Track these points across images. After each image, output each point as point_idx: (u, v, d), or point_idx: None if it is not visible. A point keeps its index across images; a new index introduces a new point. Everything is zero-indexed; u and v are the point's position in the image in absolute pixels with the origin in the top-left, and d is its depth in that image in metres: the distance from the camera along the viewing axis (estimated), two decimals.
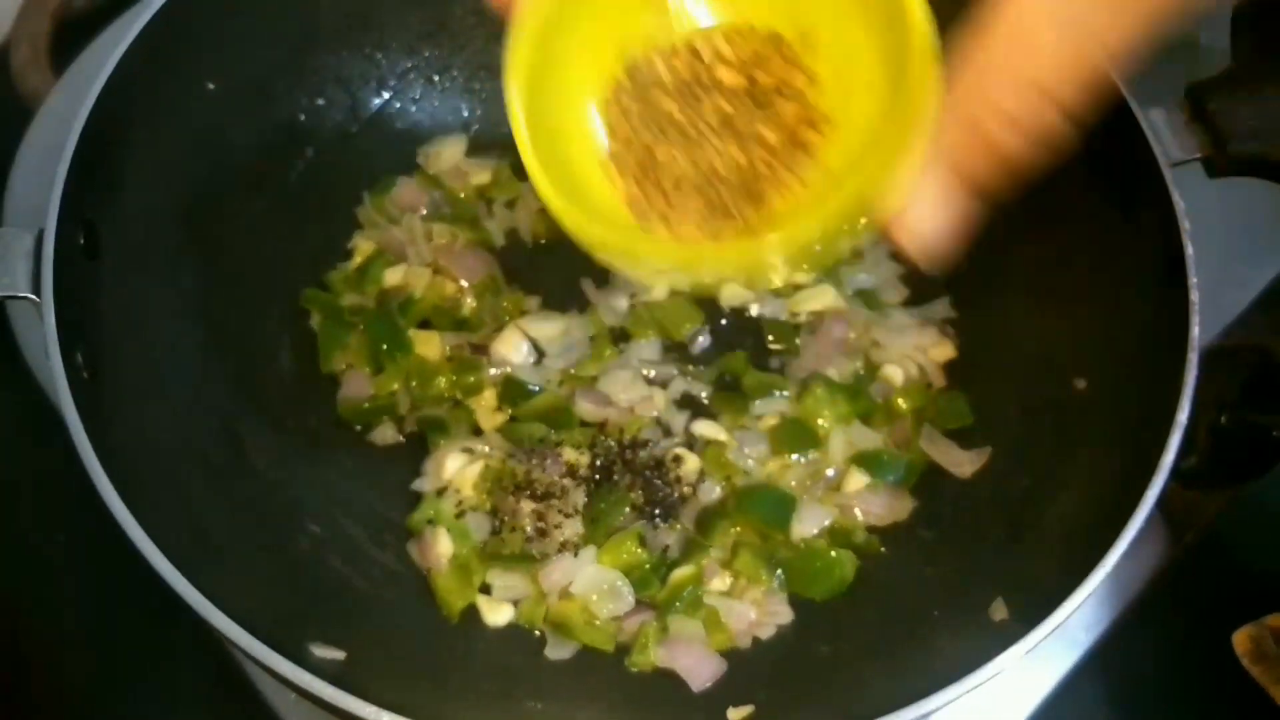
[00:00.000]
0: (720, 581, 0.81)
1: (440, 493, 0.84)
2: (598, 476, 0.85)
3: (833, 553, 0.81)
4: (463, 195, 0.97)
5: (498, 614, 0.80)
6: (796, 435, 0.86)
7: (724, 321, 0.93)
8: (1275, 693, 0.81)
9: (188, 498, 0.74)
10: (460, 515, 0.84)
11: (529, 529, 0.83)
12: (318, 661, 0.66)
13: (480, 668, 0.78)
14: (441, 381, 0.88)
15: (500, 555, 0.82)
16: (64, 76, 1.06)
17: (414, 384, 0.88)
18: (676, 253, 0.64)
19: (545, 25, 0.62)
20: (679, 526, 0.84)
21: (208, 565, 0.64)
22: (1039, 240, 0.85)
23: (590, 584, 0.80)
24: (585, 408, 0.87)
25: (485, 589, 0.81)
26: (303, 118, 0.93)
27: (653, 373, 0.90)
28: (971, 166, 0.54)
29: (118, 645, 0.89)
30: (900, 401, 0.88)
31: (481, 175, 0.98)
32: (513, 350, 0.90)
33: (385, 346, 0.89)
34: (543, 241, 0.96)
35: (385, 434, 0.88)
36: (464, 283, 0.93)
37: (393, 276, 0.92)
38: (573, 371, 0.90)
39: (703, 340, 0.92)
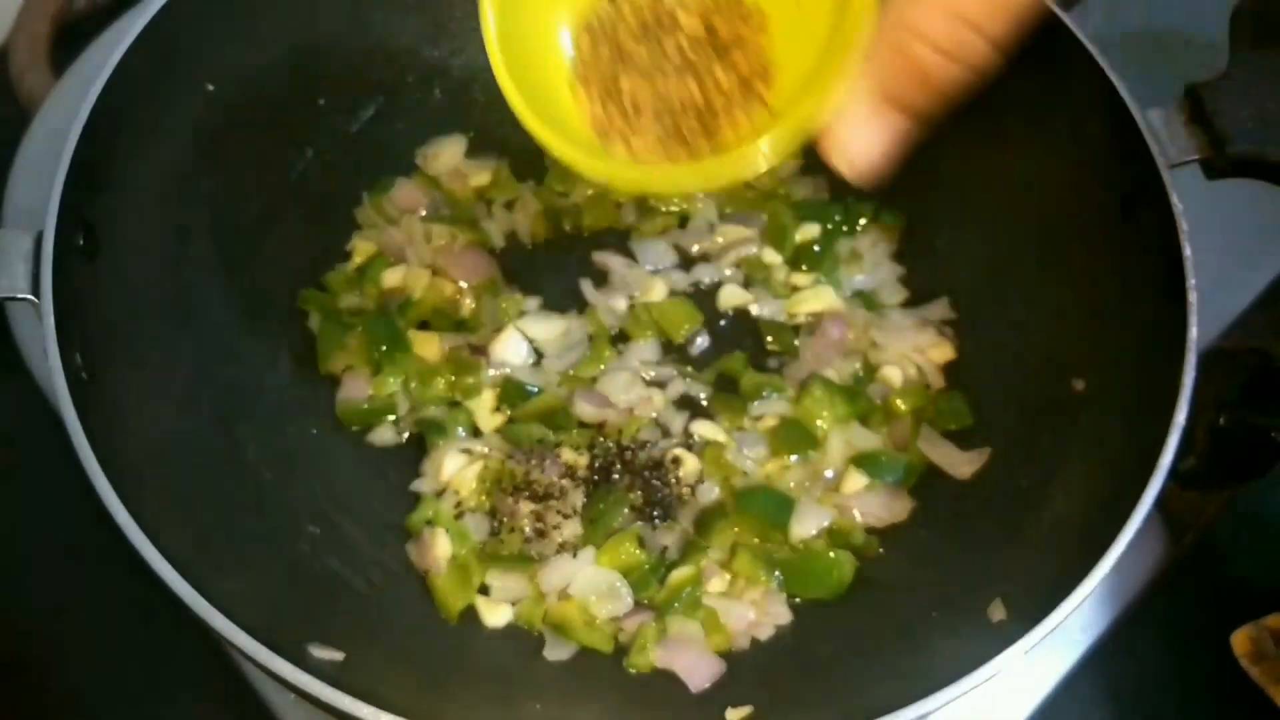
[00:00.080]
0: (719, 582, 0.81)
1: (439, 494, 0.85)
2: (596, 477, 0.85)
3: (831, 553, 0.81)
4: (462, 196, 0.97)
5: (496, 615, 0.80)
6: (795, 436, 0.86)
7: (723, 323, 0.93)
8: (1274, 693, 0.81)
9: (187, 499, 0.73)
10: (459, 516, 0.84)
11: (528, 530, 0.83)
12: (316, 662, 0.66)
13: (479, 668, 0.78)
14: (440, 383, 0.88)
15: (499, 556, 0.82)
16: (64, 77, 1.05)
17: (413, 385, 0.88)
18: (633, 171, 0.69)
19: None
20: (678, 527, 0.84)
21: (207, 566, 0.64)
22: (1038, 241, 0.85)
23: (589, 585, 0.80)
24: (584, 409, 0.87)
25: (484, 590, 0.81)
26: (302, 118, 0.93)
27: (652, 374, 0.90)
28: (899, 89, 0.58)
29: (118, 646, 0.89)
30: (899, 402, 0.88)
31: (481, 176, 0.98)
32: (512, 351, 0.90)
33: (384, 348, 0.89)
34: (542, 243, 0.96)
35: (384, 435, 0.88)
36: (463, 284, 0.93)
37: (392, 277, 0.93)
38: (572, 373, 0.90)
39: (701, 341, 0.92)
